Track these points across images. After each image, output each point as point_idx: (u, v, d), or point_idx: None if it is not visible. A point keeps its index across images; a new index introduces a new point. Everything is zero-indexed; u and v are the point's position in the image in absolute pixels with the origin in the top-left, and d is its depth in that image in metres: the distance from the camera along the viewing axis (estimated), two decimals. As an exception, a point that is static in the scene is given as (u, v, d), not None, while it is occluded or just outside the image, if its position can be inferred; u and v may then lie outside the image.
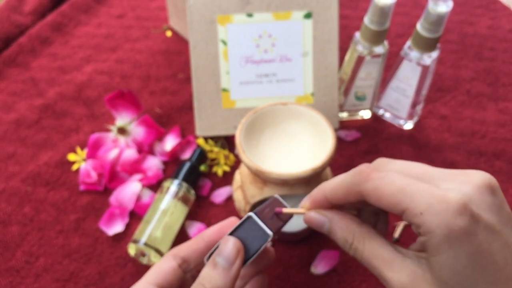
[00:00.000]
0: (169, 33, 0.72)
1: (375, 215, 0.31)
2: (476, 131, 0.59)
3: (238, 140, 0.41)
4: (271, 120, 0.44)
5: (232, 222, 0.35)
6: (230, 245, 0.29)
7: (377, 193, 0.26)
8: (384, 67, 0.55)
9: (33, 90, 0.64)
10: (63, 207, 0.51)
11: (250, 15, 0.53)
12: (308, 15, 0.53)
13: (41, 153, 0.56)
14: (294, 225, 0.44)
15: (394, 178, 0.26)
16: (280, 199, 0.32)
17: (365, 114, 0.60)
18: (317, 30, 0.53)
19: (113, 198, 0.51)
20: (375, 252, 0.27)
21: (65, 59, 0.68)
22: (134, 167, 0.53)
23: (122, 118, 0.56)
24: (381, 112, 0.60)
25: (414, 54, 0.51)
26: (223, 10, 0.52)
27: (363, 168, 0.28)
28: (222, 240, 0.30)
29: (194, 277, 0.33)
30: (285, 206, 0.32)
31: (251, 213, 0.31)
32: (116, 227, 0.49)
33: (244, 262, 0.30)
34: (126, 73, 0.66)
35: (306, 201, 0.31)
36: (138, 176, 0.53)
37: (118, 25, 0.74)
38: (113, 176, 0.53)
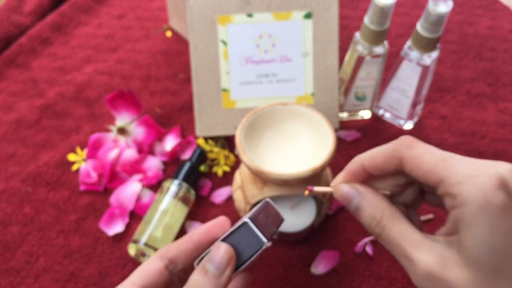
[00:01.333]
0: (169, 34, 0.72)
1: (406, 209, 0.31)
2: (476, 131, 0.59)
3: (238, 140, 0.41)
4: (271, 121, 0.44)
5: (221, 221, 0.34)
6: (221, 252, 0.29)
7: (417, 161, 0.26)
8: (384, 67, 0.55)
9: (33, 90, 0.64)
10: (63, 207, 0.51)
11: (250, 15, 0.53)
12: (308, 15, 0.53)
13: (41, 153, 0.56)
14: (295, 225, 0.44)
15: (435, 150, 0.26)
16: (272, 202, 0.32)
17: (365, 114, 0.60)
18: (317, 30, 0.53)
19: (113, 198, 0.51)
20: (403, 232, 0.26)
21: (65, 59, 0.68)
22: (134, 167, 0.53)
23: (122, 118, 0.56)
24: (381, 112, 0.60)
25: (414, 54, 0.51)
26: (224, 10, 0.52)
27: (405, 137, 0.27)
28: (214, 245, 0.30)
29: (180, 278, 0.32)
30: (277, 211, 0.31)
31: (246, 219, 0.30)
32: (116, 227, 0.49)
33: (236, 268, 0.29)
34: (126, 74, 0.66)
35: (338, 177, 0.30)
36: (138, 176, 0.53)
37: (118, 26, 0.74)
38: (113, 176, 0.53)
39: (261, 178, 0.41)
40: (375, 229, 0.28)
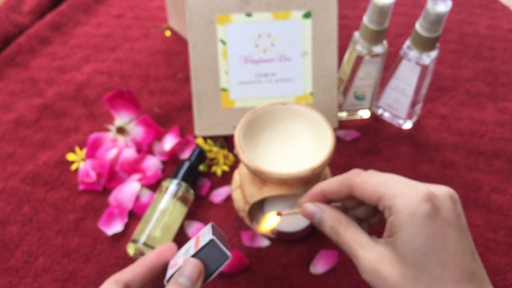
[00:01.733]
0: (168, 33, 0.72)
1: (359, 221, 0.36)
2: (475, 130, 0.59)
3: (237, 140, 0.41)
4: (271, 120, 0.44)
5: (169, 246, 0.37)
6: (192, 267, 0.33)
7: (363, 185, 0.31)
8: (383, 66, 0.55)
9: (32, 90, 0.64)
10: (62, 207, 0.51)
11: (249, 14, 0.53)
12: (307, 15, 0.53)
13: (40, 153, 0.56)
14: (293, 225, 0.44)
15: (379, 175, 0.32)
16: (215, 225, 0.36)
17: (364, 113, 0.60)
18: (316, 30, 0.53)
19: (112, 198, 0.51)
20: (353, 236, 0.32)
21: (64, 59, 0.68)
22: (133, 167, 0.53)
23: (121, 118, 0.56)
24: (380, 111, 0.60)
25: (413, 53, 0.51)
26: (223, 9, 0.52)
27: (356, 169, 0.33)
28: (184, 261, 0.33)
29: None
30: (222, 233, 0.36)
31: (213, 237, 0.33)
32: (115, 227, 0.49)
33: (205, 280, 0.33)
34: (125, 73, 0.66)
35: (304, 198, 0.36)
36: (137, 176, 0.53)
37: (117, 25, 0.74)
38: (112, 176, 0.53)
39: (260, 177, 0.41)
40: (333, 236, 0.33)
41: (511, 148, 0.57)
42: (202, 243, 0.34)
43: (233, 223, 0.49)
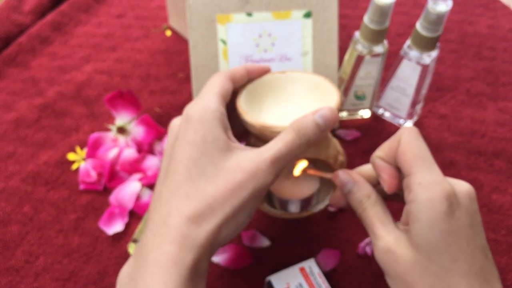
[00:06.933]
0: (168, 33, 0.72)
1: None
2: (475, 130, 0.59)
3: (239, 104, 0.39)
4: (271, 90, 0.42)
5: (267, 67, 0.40)
6: (330, 111, 0.34)
7: (406, 147, 0.31)
8: (384, 66, 0.55)
9: (33, 89, 0.64)
10: (63, 206, 0.51)
11: (249, 14, 0.53)
12: (307, 15, 0.53)
13: (40, 152, 0.56)
14: (296, 193, 0.43)
15: (421, 145, 0.31)
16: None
17: (365, 113, 0.60)
18: (316, 30, 0.53)
19: (112, 198, 0.51)
20: (378, 214, 0.32)
21: (65, 58, 0.68)
22: (134, 167, 0.53)
23: (122, 118, 0.56)
24: (380, 111, 0.60)
25: (414, 53, 0.51)
26: (223, 9, 0.52)
27: (412, 127, 0.33)
28: (326, 108, 0.34)
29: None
30: None
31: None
32: (116, 227, 0.49)
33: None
34: (125, 73, 0.66)
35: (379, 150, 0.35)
36: (137, 176, 0.53)
37: (118, 25, 0.74)
38: (112, 176, 0.53)
39: (267, 137, 0.37)
40: (358, 209, 0.34)
41: (511, 148, 0.57)
42: None
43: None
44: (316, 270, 0.42)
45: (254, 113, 0.39)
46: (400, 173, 0.33)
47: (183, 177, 0.31)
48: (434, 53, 0.50)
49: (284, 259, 0.47)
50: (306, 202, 0.45)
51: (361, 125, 0.59)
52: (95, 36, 0.72)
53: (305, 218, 0.49)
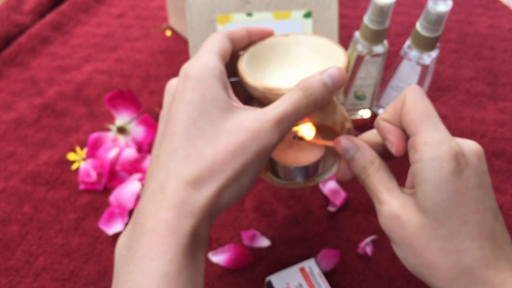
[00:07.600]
0: (168, 33, 0.72)
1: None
2: (475, 130, 0.59)
3: (241, 67, 0.37)
4: (274, 53, 0.40)
5: (270, 30, 0.38)
6: (338, 71, 0.32)
7: (411, 106, 0.30)
8: (384, 66, 0.55)
9: (33, 89, 0.64)
10: (63, 206, 0.51)
11: (249, 14, 0.53)
12: (307, 15, 0.53)
13: (40, 152, 0.56)
14: (299, 159, 0.40)
15: (427, 104, 0.30)
16: None
17: (365, 113, 0.60)
18: (316, 30, 0.53)
19: (112, 198, 0.51)
20: (382, 179, 0.31)
21: (64, 58, 0.68)
22: (134, 167, 0.53)
23: (122, 118, 0.56)
24: (381, 111, 0.60)
25: (414, 53, 0.51)
26: (223, 9, 0.52)
27: (417, 86, 0.32)
28: (334, 68, 0.32)
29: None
30: None
31: None
32: (116, 227, 0.49)
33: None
34: (125, 73, 0.66)
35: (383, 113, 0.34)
36: (137, 176, 0.53)
37: (118, 25, 0.74)
38: (112, 176, 0.53)
39: (271, 101, 0.35)
40: (361, 175, 0.32)
41: (511, 148, 0.57)
42: None
43: (233, 223, 0.49)
44: (316, 270, 0.42)
45: (257, 77, 0.37)
46: (406, 136, 0.31)
47: (181, 138, 0.29)
48: (434, 53, 0.50)
49: (284, 259, 0.47)
50: (311, 170, 0.41)
51: (361, 125, 0.59)
52: (95, 36, 0.72)
53: (305, 217, 0.49)
